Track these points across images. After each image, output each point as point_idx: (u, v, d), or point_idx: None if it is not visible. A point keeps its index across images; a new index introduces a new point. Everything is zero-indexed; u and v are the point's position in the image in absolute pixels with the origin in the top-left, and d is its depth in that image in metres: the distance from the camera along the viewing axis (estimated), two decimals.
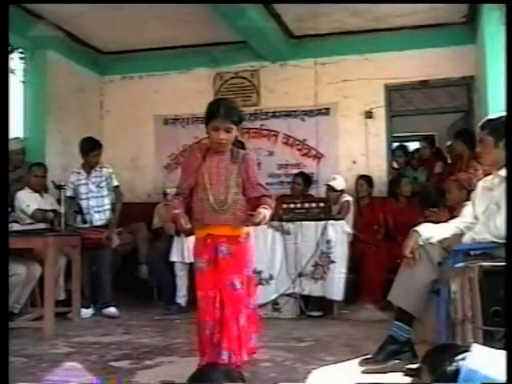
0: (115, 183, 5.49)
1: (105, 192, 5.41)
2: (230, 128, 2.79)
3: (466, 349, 1.78)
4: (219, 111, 2.77)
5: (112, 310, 5.13)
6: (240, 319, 2.79)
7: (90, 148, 5.39)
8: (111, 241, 5.28)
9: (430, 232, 3.05)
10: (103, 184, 5.40)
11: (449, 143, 6.58)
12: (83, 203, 5.36)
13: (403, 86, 6.35)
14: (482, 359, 1.59)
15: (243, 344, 2.79)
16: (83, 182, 5.39)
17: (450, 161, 6.21)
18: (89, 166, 5.42)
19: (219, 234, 2.82)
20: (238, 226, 2.84)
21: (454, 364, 1.59)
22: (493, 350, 1.74)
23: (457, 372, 1.57)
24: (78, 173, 5.43)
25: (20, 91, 6.13)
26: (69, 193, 5.31)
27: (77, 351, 3.67)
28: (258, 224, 2.77)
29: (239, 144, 5.80)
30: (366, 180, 5.99)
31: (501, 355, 1.65)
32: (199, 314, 2.87)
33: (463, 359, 1.59)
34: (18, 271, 4.35)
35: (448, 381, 1.61)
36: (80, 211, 5.36)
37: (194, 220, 2.86)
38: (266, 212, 2.76)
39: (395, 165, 6.65)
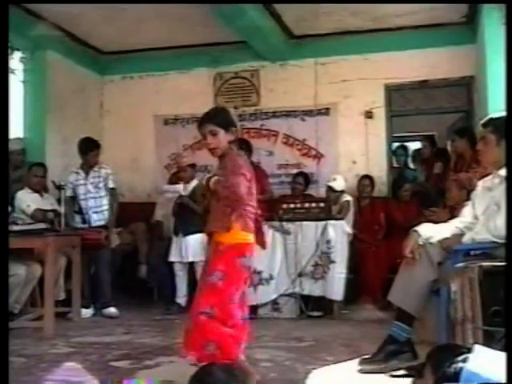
0: (111, 185, 5.44)
1: (103, 192, 5.40)
2: (214, 130, 2.71)
3: (468, 350, 1.77)
4: (202, 119, 2.78)
5: (112, 310, 5.13)
6: (205, 311, 2.57)
7: (89, 148, 5.39)
8: (109, 241, 5.28)
9: (430, 232, 3.05)
10: (101, 184, 5.39)
11: (450, 142, 6.56)
12: (82, 203, 5.37)
13: (403, 85, 6.35)
14: (483, 361, 1.59)
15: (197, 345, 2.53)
16: (81, 182, 5.39)
17: (453, 159, 6.19)
18: (87, 166, 5.41)
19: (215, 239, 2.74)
20: (220, 230, 2.69)
21: (455, 365, 1.58)
22: (494, 351, 1.73)
23: (458, 373, 1.56)
24: (77, 173, 5.42)
25: (20, 91, 6.12)
26: (68, 193, 5.32)
27: (77, 351, 3.67)
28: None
29: (244, 144, 5.91)
30: (369, 180, 6.00)
31: (502, 357, 1.64)
32: None
33: (464, 360, 1.59)
34: (18, 271, 4.35)
35: (449, 382, 1.60)
36: (80, 211, 5.36)
37: None
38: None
39: (396, 164, 6.64)
